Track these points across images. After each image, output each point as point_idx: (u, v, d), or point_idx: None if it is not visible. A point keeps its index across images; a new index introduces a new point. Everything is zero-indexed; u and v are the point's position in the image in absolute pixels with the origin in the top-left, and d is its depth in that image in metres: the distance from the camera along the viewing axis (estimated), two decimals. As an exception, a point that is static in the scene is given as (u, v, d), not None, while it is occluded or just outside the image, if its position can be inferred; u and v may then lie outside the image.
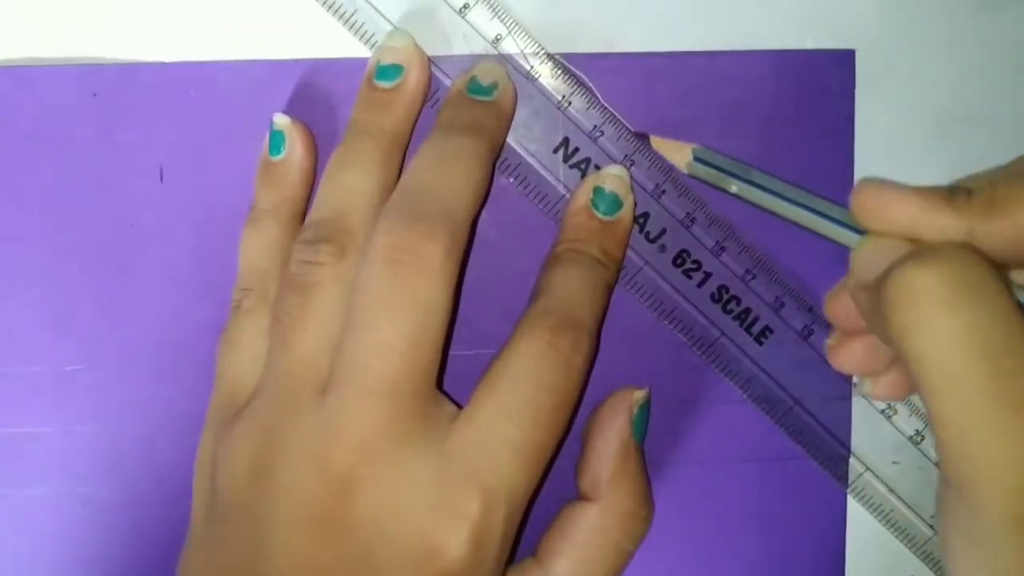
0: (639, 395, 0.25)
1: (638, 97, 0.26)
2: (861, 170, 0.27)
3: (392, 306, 0.22)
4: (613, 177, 0.26)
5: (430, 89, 0.26)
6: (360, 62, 0.26)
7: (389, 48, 0.25)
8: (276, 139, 0.26)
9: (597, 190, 0.26)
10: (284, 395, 0.23)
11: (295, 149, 0.26)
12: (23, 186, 0.26)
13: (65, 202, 0.26)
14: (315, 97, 0.26)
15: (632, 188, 0.26)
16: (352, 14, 0.26)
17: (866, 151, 0.27)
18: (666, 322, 0.26)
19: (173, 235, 0.26)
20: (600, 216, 0.25)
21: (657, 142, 0.26)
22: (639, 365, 0.27)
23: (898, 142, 0.27)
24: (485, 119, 0.25)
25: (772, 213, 0.24)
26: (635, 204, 0.26)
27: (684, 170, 0.25)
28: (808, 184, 0.26)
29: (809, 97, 0.26)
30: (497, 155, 0.26)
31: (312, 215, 0.25)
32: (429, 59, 0.26)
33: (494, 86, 0.25)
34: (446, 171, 0.24)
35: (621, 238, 0.26)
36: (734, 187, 0.25)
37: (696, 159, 0.25)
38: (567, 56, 0.26)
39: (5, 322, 0.27)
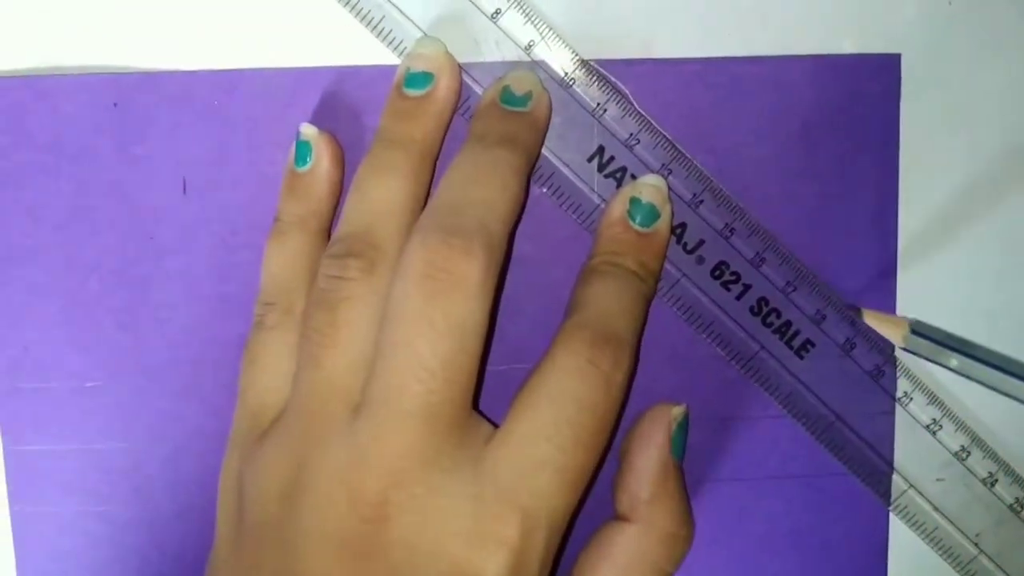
0: (677, 411, 0.24)
1: (675, 104, 0.26)
2: (906, 180, 0.26)
3: (427, 325, 0.22)
4: (650, 187, 0.25)
5: (461, 97, 0.25)
6: (388, 69, 0.25)
7: (419, 55, 0.25)
8: (302, 150, 0.25)
9: (633, 201, 0.25)
10: (314, 415, 0.23)
11: (322, 160, 0.25)
12: (42, 199, 0.26)
13: (85, 215, 0.26)
14: (342, 106, 0.26)
15: (669, 198, 0.25)
16: (380, 20, 0.25)
17: (911, 160, 0.26)
18: (704, 336, 0.26)
19: (195, 248, 0.26)
20: (637, 228, 0.25)
21: (870, 316, 0.25)
22: (676, 380, 0.26)
23: (944, 151, 0.26)
24: (519, 131, 0.24)
25: (997, 391, 0.24)
26: (673, 214, 0.25)
27: (901, 344, 0.25)
28: (851, 194, 0.26)
29: (852, 103, 0.26)
30: (532, 167, 0.25)
31: (340, 229, 0.24)
32: (460, 66, 0.25)
33: (528, 96, 0.25)
34: (482, 184, 0.23)
35: (659, 250, 0.25)
36: (954, 361, 0.24)
37: (914, 332, 0.24)
38: (602, 62, 0.25)
39: (23, 337, 0.26)
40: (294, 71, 0.25)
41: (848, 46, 0.26)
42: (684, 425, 0.24)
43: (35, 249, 0.26)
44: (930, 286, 0.26)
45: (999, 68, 0.26)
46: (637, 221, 0.25)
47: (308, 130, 0.25)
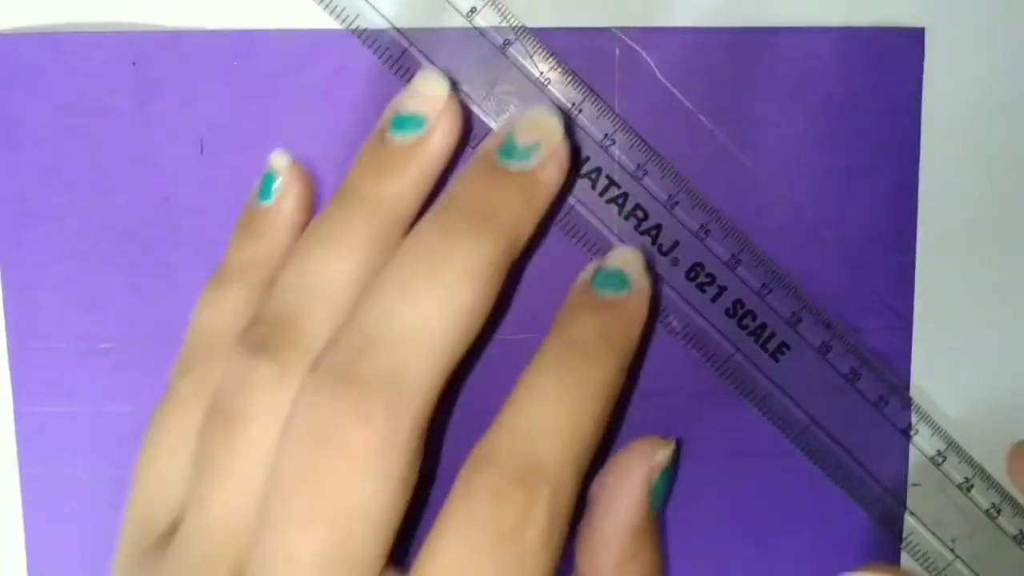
0: (662, 455, 0.20)
1: (696, 74, 0.25)
2: (928, 154, 0.26)
3: (304, 504, 0.17)
4: (618, 255, 0.21)
5: (457, 152, 0.21)
6: (413, 34, 0.23)
7: (415, 92, 0.20)
8: (267, 182, 0.22)
9: (598, 270, 0.21)
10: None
11: (285, 198, 0.22)
12: (57, 158, 0.26)
13: (101, 175, 0.26)
14: (361, 69, 0.25)
15: (650, 269, 0.22)
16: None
17: (934, 135, 0.26)
18: (679, 338, 0.25)
19: (211, 210, 0.26)
20: (601, 294, 0.20)
21: None
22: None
23: (967, 127, 0.26)
24: (505, 202, 0.19)
25: None
26: (654, 288, 0.22)
27: None
28: (873, 167, 0.25)
29: (875, 77, 0.25)
30: (515, 257, 0.19)
31: (265, 305, 0.20)
32: (467, 112, 0.22)
33: (534, 148, 0.19)
34: (415, 297, 0.18)
35: (628, 321, 0.20)
36: None
37: None
38: (623, 29, 0.25)
39: (35, 297, 0.26)
40: (314, 33, 0.25)
41: (872, 19, 0.26)
42: (669, 471, 0.21)
43: (49, 208, 0.26)
44: (950, 261, 0.26)
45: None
46: (601, 288, 0.20)
47: (279, 160, 0.22)
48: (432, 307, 0.18)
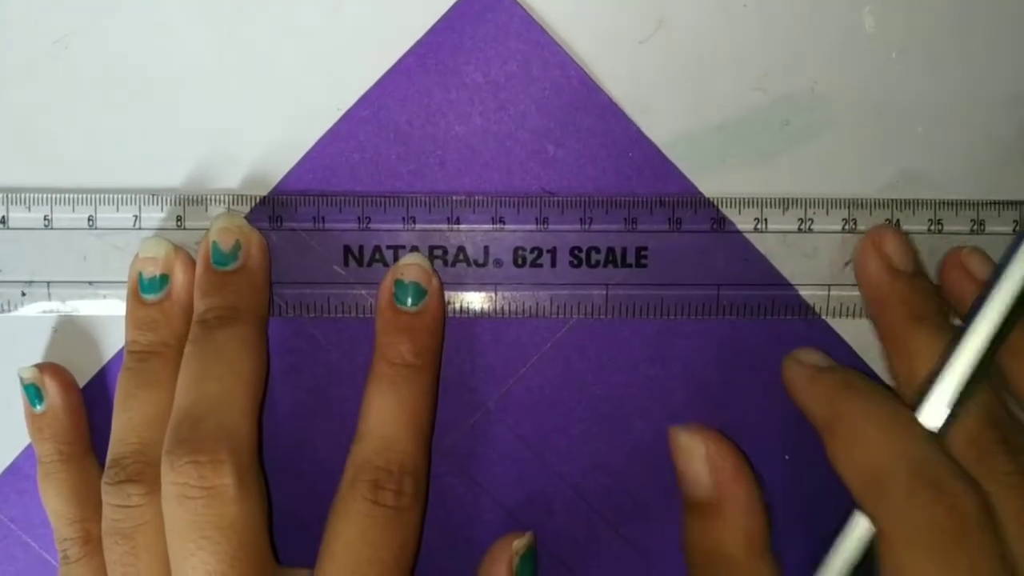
0: (519, 544, 0.24)
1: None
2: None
3: (203, 539, 0.23)
4: (411, 266, 0.25)
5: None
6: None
7: (147, 259, 0.25)
8: (31, 392, 0.26)
9: (397, 283, 0.25)
10: None
11: (54, 398, 0.26)
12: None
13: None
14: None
15: (433, 270, 0.26)
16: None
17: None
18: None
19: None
20: (406, 310, 0.25)
21: None
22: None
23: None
24: (238, 296, 0.25)
25: None
26: (441, 287, 0.26)
27: None
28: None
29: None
30: (266, 318, 0.26)
31: (112, 450, 0.25)
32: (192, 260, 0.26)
33: (237, 248, 0.25)
34: (213, 378, 0.24)
35: (433, 327, 0.25)
36: None
37: None
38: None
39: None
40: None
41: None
42: (529, 556, 0.24)
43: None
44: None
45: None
46: (407, 304, 0.25)
47: (28, 373, 0.26)
48: (227, 380, 0.24)
